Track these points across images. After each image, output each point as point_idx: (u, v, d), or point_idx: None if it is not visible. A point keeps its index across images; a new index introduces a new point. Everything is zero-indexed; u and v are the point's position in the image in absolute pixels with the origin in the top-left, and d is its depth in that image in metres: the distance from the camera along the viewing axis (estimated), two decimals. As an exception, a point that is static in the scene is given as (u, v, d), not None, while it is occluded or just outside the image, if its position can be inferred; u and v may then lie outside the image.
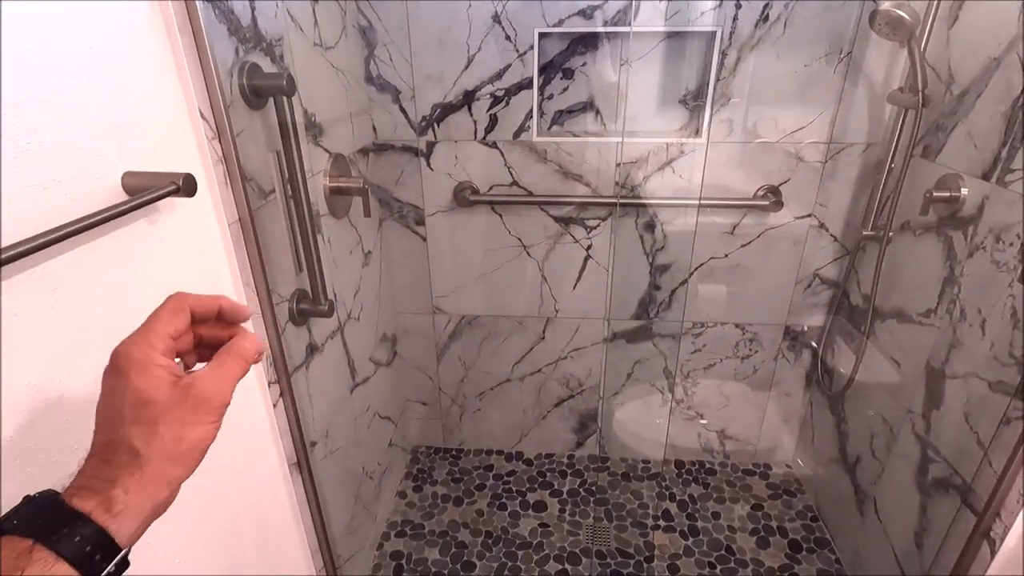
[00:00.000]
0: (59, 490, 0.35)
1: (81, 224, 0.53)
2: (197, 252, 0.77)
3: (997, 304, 1.02)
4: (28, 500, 0.34)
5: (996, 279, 1.02)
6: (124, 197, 0.64)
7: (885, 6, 1.13)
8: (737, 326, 1.71)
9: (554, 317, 1.74)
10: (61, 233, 0.51)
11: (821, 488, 1.73)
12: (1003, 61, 1.02)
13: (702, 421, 1.88)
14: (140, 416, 0.36)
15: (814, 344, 1.70)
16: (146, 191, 0.63)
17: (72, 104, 0.56)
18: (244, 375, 0.43)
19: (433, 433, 2.00)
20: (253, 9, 0.90)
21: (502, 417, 1.93)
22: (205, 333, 0.46)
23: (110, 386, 0.38)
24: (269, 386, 0.94)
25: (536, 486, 1.85)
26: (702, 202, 1.51)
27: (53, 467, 0.54)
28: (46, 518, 0.32)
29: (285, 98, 0.90)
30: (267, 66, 0.94)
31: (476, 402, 1.91)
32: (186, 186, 0.66)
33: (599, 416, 1.90)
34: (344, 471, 1.37)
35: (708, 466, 1.91)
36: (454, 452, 1.99)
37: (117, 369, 0.38)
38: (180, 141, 0.73)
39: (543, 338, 1.78)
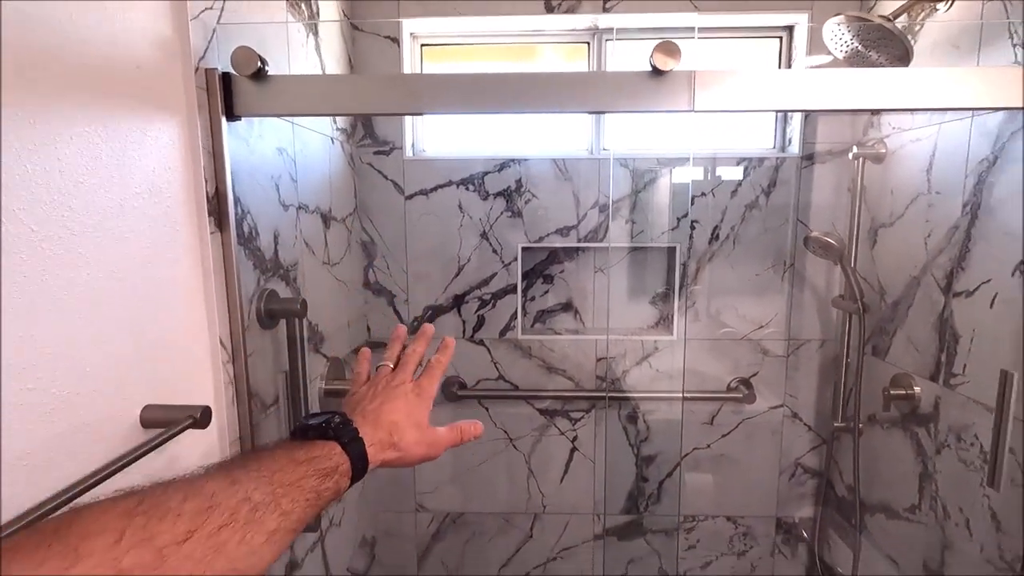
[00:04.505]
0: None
1: (98, 476, 0.55)
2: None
3: (975, 504, 1.05)
4: (344, 420, 0.57)
5: (968, 478, 1.07)
6: (141, 432, 0.67)
7: (814, 234, 1.34)
8: (729, 519, 1.67)
9: (542, 513, 1.68)
10: (81, 487, 0.53)
11: None
12: (922, 280, 1.20)
13: (705, 630, 1.72)
14: (418, 426, 0.62)
15: (806, 536, 1.65)
16: (164, 426, 0.66)
17: (116, 348, 0.62)
18: (453, 446, 0.66)
19: (409, 654, 1.77)
20: (277, 244, 1.02)
21: (487, 632, 1.75)
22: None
23: (415, 395, 0.64)
24: (244, 618, 0.87)
25: None
26: (681, 395, 1.58)
27: None
28: (352, 435, 0.55)
29: (297, 319, 0.99)
30: (282, 289, 1.04)
31: (459, 614, 1.74)
32: (203, 419, 0.69)
33: (594, 627, 1.73)
34: None
35: None
36: (432, 677, 1.75)
37: (423, 393, 0.65)
38: (198, 368, 0.78)
39: (531, 536, 1.69)
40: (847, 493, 1.50)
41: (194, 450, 0.76)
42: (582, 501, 1.67)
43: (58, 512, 0.35)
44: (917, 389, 1.21)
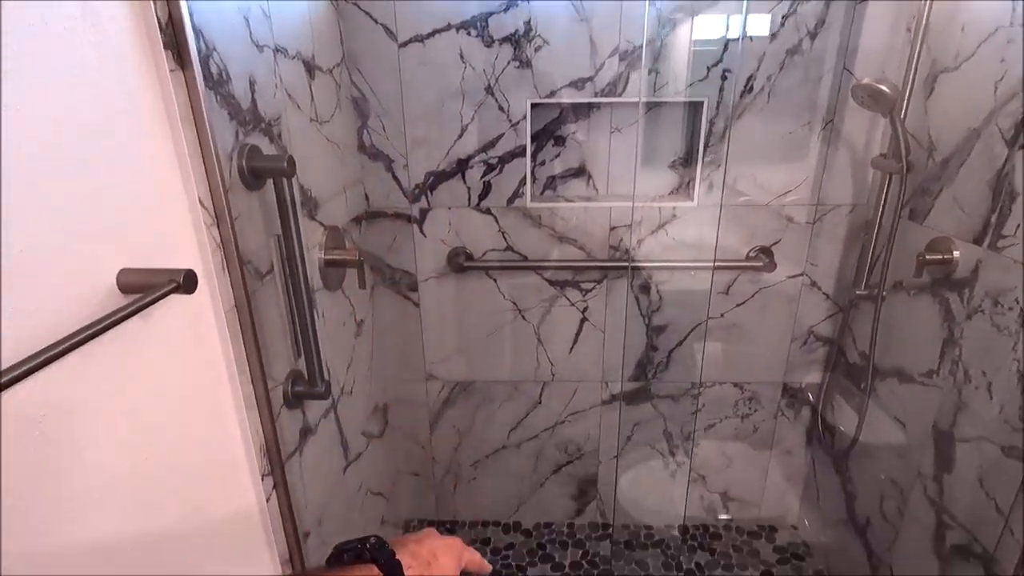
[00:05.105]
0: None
1: (74, 340, 0.49)
2: (192, 345, 0.73)
3: (1002, 367, 1.02)
4: (379, 540, 0.55)
5: (999, 342, 1.03)
6: (119, 296, 0.60)
7: (865, 81, 1.18)
8: (735, 385, 1.69)
9: (551, 381, 1.70)
10: (52, 353, 0.47)
11: (831, 552, 1.68)
12: (983, 132, 1.07)
13: (704, 483, 1.83)
14: (455, 568, 0.60)
15: (812, 400, 1.69)
16: (144, 290, 0.59)
17: (71, 201, 0.53)
18: None
19: (426, 504, 1.90)
20: (253, 92, 0.89)
21: (498, 486, 1.86)
22: None
23: (455, 544, 0.63)
24: (262, 479, 0.88)
25: (536, 560, 1.76)
26: (697, 264, 1.52)
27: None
28: (388, 556, 0.54)
29: (285, 179, 0.88)
30: (266, 146, 0.92)
31: (471, 471, 1.84)
32: (186, 283, 0.62)
33: (599, 481, 1.83)
34: (337, 559, 1.28)
35: (712, 530, 1.85)
36: (448, 525, 1.90)
37: (457, 553, 0.62)
38: (178, 231, 0.70)
39: (540, 403, 1.73)
40: (859, 359, 1.49)
41: (185, 318, 0.71)
42: (591, 369, 1.68)
43: None
44: (956, 253, 1.13)
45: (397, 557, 0.54)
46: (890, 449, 1.36)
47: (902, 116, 1.22)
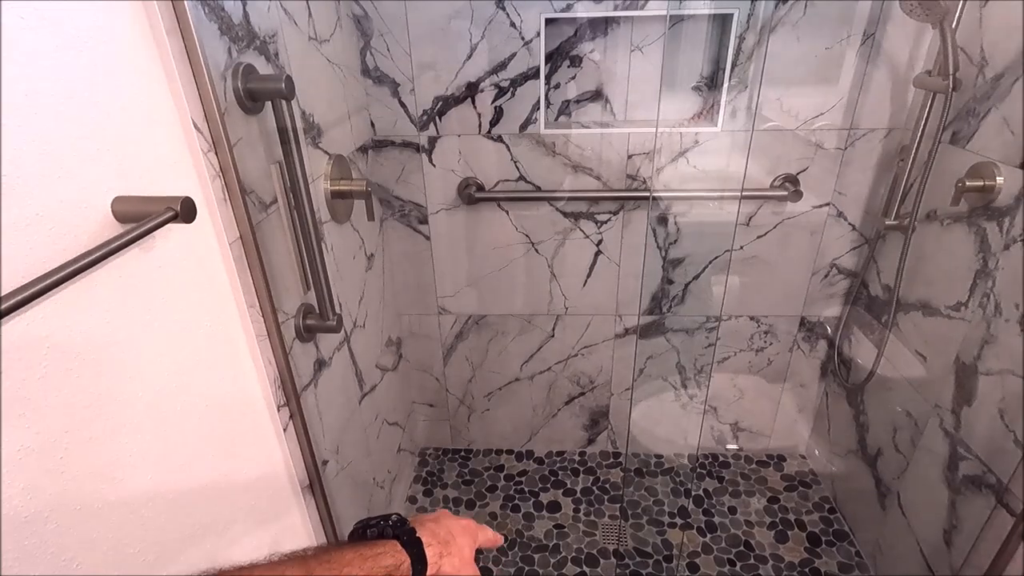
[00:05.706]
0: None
1: (70, 269, 0.47)
2: (197, 277, 0.70)
3: (1038, 299, 0.98)
4: (400, 518, 0.57)
5: (1037, 273, 0.98)
6: (115, 225, 0.57)
7: (918, -15, 1.06)
8: (752, 319, 1.67)
9: (564, 314, 1.69)
10: (48, 282, 0.44)
11: (838, 480, 1.71)
12: (1045, 43, 0.97)
13: (716, 415, 1.85)
14: (471, 548, 0.62)
15: (829, 334, 1.66)
16: (141, 220, 0.56)
17: (53, 125, 0.49)
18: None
19: (441, 434, 1.95)
20: (244, 4, 0.82)
21: (511, 416, 1.89)
22: None
23: (470, 524, 0.64)
24: (278, 410, 0.88)
25: (549, 486, 1.82)
26: (721, 194, 1.45)
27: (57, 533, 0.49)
28: (410, 534, 0.55)
29: (284, 102, 0.83)
30: (262, 66, 0.86)
31: (484, 402, 1.87)
32: (185, 211, 0.59)
33: (611, 413, 1.86)
34: (356, 485, 1.32)
35: (722, 459, 1.89)
36: (463, 453, 1.95)
37: (472, 533, 0.63)
38: (173, 156, 0.66)
39: (552, 336, 1.73)
40: (882, 292, 1.45)
41: (189, 251, 0.68)
42: (605, 303, 1.66)
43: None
44: (999, 179, 1.06)
45: (417, 535, 0.55)
46: (908, 382, 1.35)
47: (954, 26, 1.11)
